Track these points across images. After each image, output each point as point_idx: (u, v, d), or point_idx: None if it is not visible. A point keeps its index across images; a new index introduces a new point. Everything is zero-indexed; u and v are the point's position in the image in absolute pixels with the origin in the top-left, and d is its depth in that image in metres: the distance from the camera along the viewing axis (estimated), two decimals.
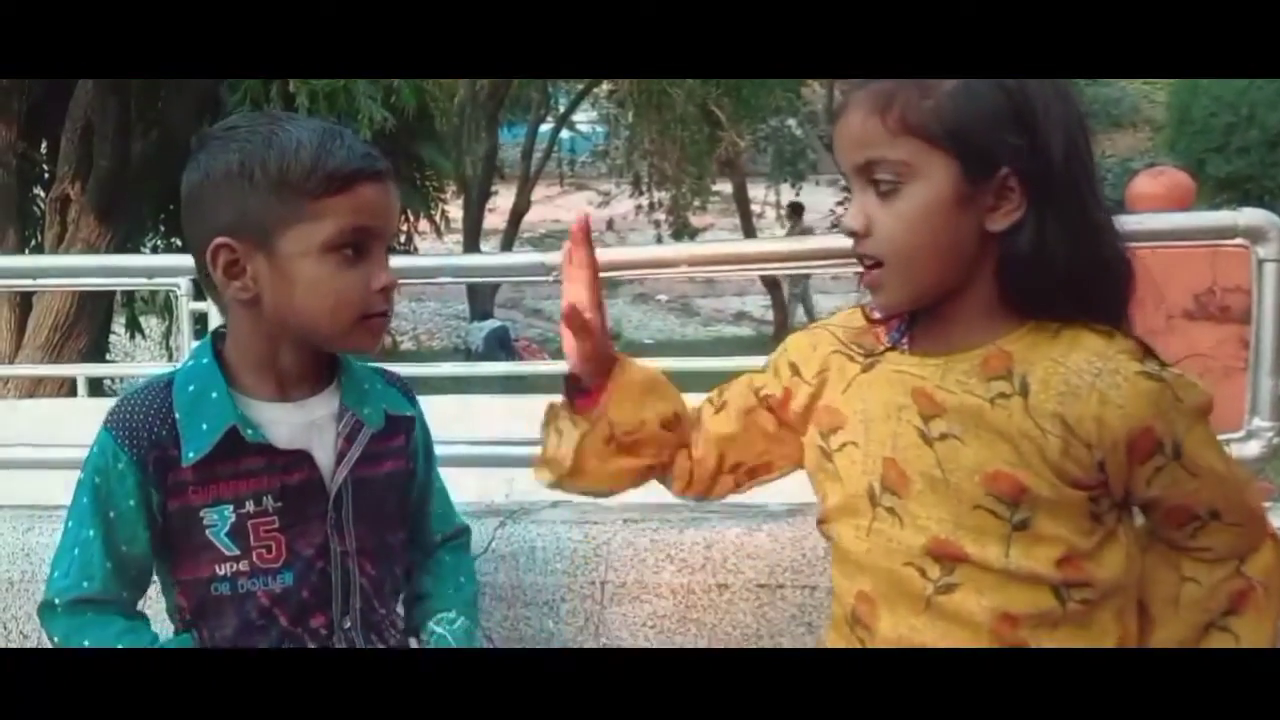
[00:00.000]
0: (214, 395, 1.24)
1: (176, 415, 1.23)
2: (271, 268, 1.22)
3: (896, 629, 1.16)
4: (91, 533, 1.23)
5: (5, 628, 1.92)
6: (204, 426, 1.23)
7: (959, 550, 1.13)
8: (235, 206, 1.21)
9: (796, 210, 15.82)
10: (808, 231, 14.56)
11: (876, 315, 1.25)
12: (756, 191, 18.00)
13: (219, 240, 1.22)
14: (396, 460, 1.35)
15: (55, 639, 1.25)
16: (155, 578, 1.33)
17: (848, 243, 1.20)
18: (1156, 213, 2.57)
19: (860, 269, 1.19)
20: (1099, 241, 1.13)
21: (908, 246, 1.12)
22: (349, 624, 1.30)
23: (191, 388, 1.25)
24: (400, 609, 1.41)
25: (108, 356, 8.40)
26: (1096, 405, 1.10)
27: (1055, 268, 1.10)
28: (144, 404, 1.25)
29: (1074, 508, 1.12)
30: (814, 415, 1.26)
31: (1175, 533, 1.19)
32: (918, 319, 1.21)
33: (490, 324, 13.86)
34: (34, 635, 1.91)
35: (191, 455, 1.22)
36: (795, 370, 1.29)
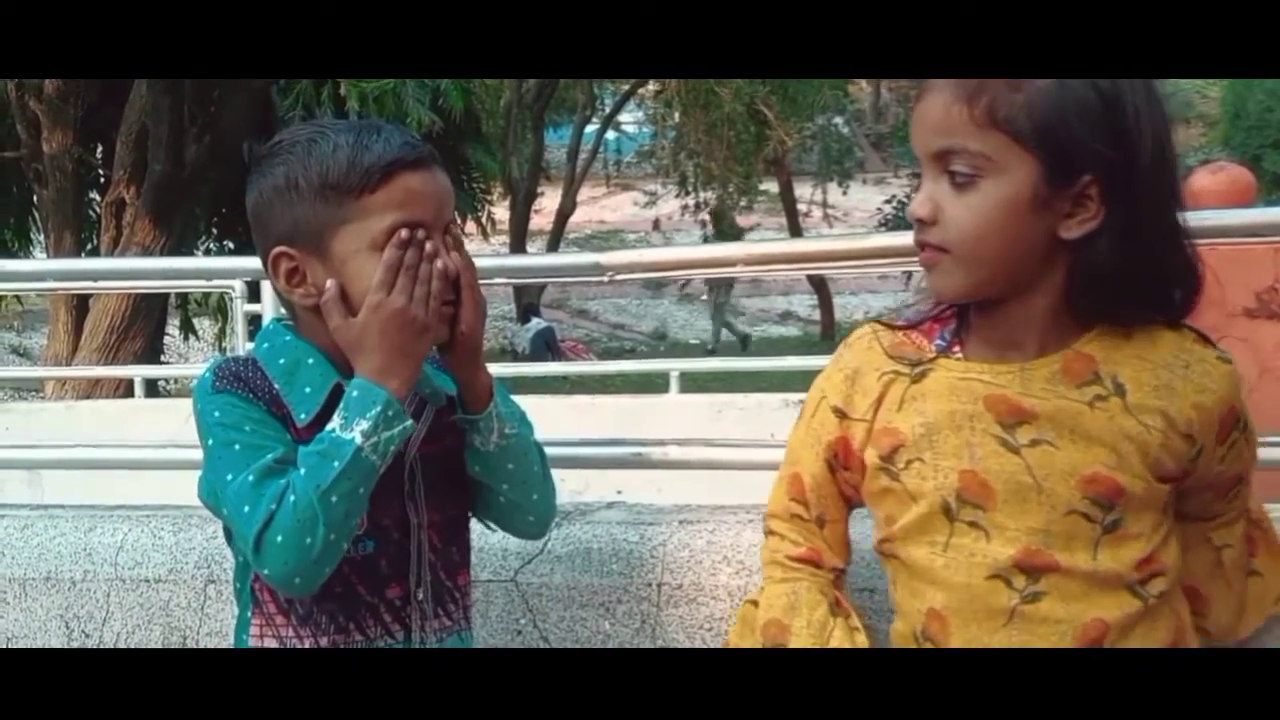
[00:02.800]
0: (310, 361, 1.27)
1: (276, 387, 1.26)
2: (329, 271, 1.24)
3: (969, 646, 1.14)
4: (269, 455, 1.20)
5: (68, 627, 1.95)
6: (307, 390, 1.26)
7: (1050, 560, 1.11)
8: (287, 217, 1.24)
9: (718, 218, 15.59)
10: (735, 236, 14.20)
11: (900, 321, 1.22)
12: (803, 190, 17.94)
13: (277, 250, 1.25)
14: (454, 435, 1.37)
15: (307, 538, 1.16)
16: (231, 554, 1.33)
17: (899, 242, 1.18)
18: (1218, 209, 2.52)
19: (915, 259, 1.17)
20: (1173, 249, 1.11)
21: (975, 241, 1.09)
22: (422, 595, 1.32)
23: (282, 360, 1.28)
24: (462, 581, 1.39)
25: (162, 358, 8.53)
26: (1194, 394, 1.11)
27: (1129, 279, 1.08)
28: (244, 370, 1.27)
29: (1157, 501, 1.13)
30: (872, 439, 1.21)
31: (1219, 503, 1.21)
32: (970, 323, 1.18)
33: (537, 325, 13.92)
34: (95, 634, 1.94)
35: (304, 416, 1.25)
36: (842, 414, 1.23)
